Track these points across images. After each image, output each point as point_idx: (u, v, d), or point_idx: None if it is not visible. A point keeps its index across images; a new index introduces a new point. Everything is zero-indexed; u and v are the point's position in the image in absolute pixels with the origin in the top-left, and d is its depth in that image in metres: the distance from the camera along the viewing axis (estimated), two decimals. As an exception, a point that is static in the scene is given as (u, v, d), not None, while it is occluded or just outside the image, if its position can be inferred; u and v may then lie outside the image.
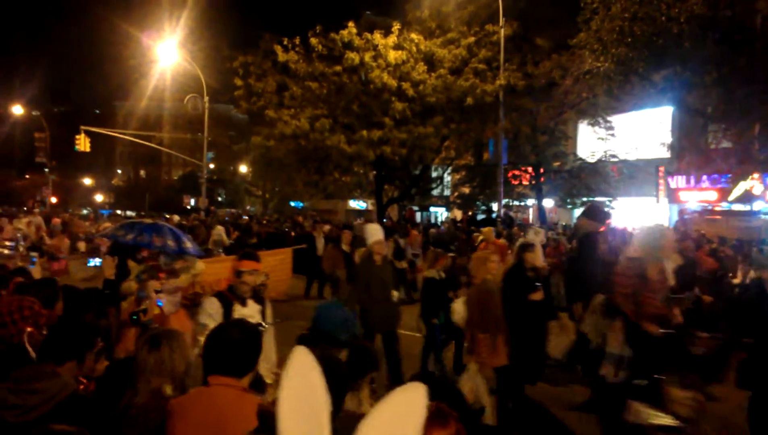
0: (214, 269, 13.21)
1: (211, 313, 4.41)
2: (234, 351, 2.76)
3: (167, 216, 38.42)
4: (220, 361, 2.75)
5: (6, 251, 11.33)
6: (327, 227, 18.18)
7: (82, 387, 3.11)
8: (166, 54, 29.61)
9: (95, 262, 10.05)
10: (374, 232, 7.77)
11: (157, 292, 5.14)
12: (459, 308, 6.25)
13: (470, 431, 2.32)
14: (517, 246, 7.85)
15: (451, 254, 9.46)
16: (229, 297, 4.57)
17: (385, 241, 7.94)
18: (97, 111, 66.30)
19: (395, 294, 7.69)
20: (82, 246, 19.51)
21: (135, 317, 4.31)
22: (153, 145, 36.61)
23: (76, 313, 4.18)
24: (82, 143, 31.22)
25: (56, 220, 18.30)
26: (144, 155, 57.37)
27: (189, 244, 6.09)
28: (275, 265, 13.91)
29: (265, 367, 4.09)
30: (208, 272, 12.81)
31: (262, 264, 4.95)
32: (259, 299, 4.73)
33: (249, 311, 4.49)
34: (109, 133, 35.36)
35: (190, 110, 32.43)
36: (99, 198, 63.70)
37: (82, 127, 31.04)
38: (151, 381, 2.87)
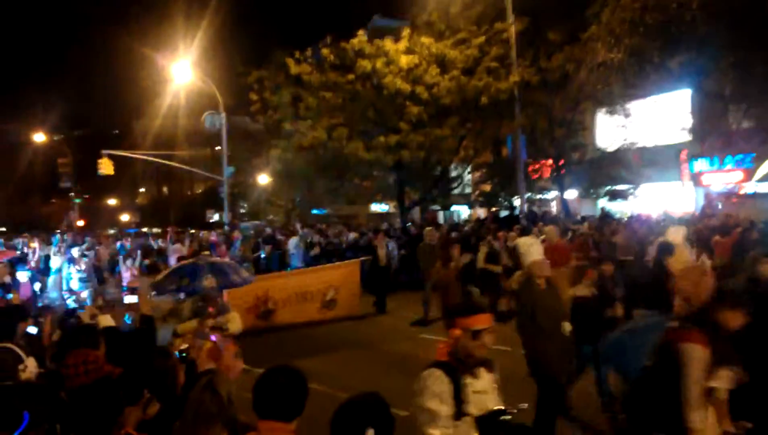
0: (285, 284, 13.18)
1: (439, 392, 3.25)
2: (282, 396, 2.83)
3: (192, 231, 38.77)
4: (268, 406, 2.82)
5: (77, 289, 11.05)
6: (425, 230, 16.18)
7: None
8: (181, 73, 29.97)
9: (131, 299, 9.84)
10: (532, 249, 6.27)
11: (210, 327, 5.29)
12: None
13: None
14: (749, 257, 6.22)
15: (606, 266, 7.92)
16: (456, 367, 3.36)
17: (543, 259, 6.29)
18: (117, 131, 67.29)
19: (567, 326, 6.09)
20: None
21: (185, 355, 4.45)
22: (172, 163, 37.06)
23: (130, 358, 4.29)
24: (105, 166, 31.68)
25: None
26: (165, 172, 58.05)
27: (246, 273, 6.19)
28: (345, 278, 13.64)
29: None
30: (280, 287, 12.79)
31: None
32: (486, 362, 3.52)
33: (484, 384, 3.43)
34: (130, 155, 35.87)
35: (208, 127, 32.75)
36: (125, 217, 64.58)
37: (104, 152, 31.47)
38: (207, 430, 2.97)
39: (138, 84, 44.84)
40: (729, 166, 21.73)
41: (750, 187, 21.03)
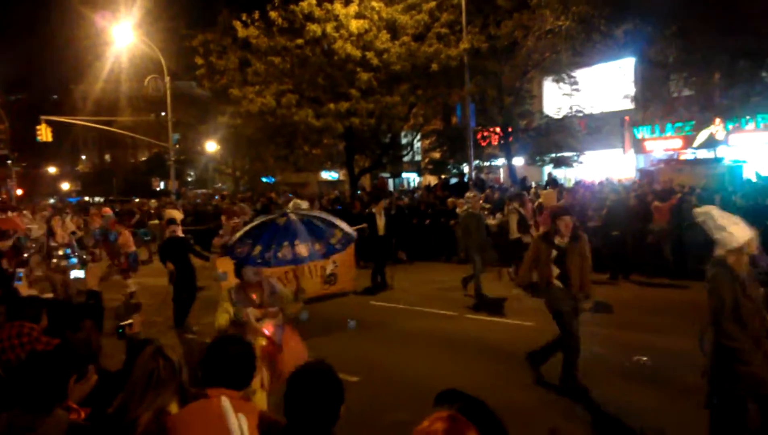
0: None
1: None
2: (234, 365, 2.87)
3: (137, 200, 37.83)
4: (219, 374, 2.86)
5: (62, 262, 10.34)
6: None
7: (74, 416, 3.13)
8: (123, 35, 28.89)
9: (78, 274, 9.29)
10: (738, 225, 4.46)
11: (257, 319, 4.87)
12: None
13: None
14: None
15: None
16: None
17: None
18: (55, 96, 64.65)
19: None
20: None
21: (121, 331, 4.29)
22: (115, 130, 35.89)
23: (63, 331, 4.17)
24: (44, 133, 30.48)
25: (107, 210, 16.26)
26: (108, 139, 56.27)
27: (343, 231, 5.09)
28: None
29: None
30: None
31: None
32: None
33: None
34: (70, 120, 34.55)
35: (151, 91, 31.78)
36: (65, 186, 62.53)
37: (42, 118, 30.25)
38: (159, 396, 2.93)
39: (77, 47, 42.98)
40: (669, 134, 22.43)
41: (689, 154, 21.76)
